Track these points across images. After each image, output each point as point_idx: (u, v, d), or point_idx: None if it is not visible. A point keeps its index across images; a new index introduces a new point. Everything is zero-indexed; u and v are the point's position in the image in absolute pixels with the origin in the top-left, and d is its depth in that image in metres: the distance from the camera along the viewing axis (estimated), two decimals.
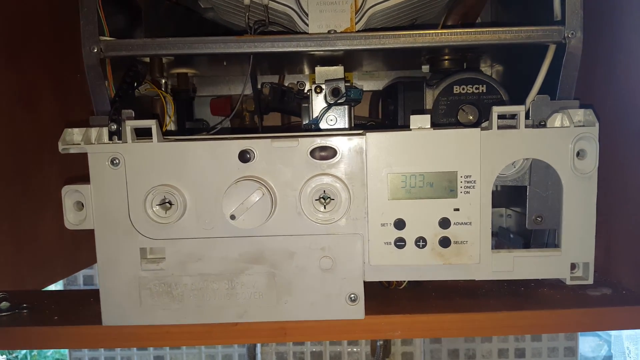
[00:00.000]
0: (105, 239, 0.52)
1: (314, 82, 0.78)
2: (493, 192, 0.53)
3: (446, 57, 0.77)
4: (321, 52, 0.62)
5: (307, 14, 0.64)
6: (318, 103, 0.75)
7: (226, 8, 0.74)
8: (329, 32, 0.63)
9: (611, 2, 0.62)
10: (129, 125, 0.52)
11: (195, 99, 0.93)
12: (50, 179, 0.79)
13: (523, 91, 0.62)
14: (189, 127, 0.88)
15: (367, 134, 0.51)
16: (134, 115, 0.58)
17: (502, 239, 0.82)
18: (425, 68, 0.84)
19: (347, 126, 0.74)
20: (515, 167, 0.57)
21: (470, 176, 0.50)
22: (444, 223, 0.51)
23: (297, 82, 0.96)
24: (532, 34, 0.60)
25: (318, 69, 0.79)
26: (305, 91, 0.92)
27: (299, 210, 0.52)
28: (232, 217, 0.49)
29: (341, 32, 0.63)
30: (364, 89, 0.98)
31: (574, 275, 0.54)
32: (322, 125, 0.74)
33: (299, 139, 0.51)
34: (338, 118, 0.73)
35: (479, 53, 0.79)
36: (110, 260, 0.53)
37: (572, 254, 0.53)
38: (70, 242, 0.82)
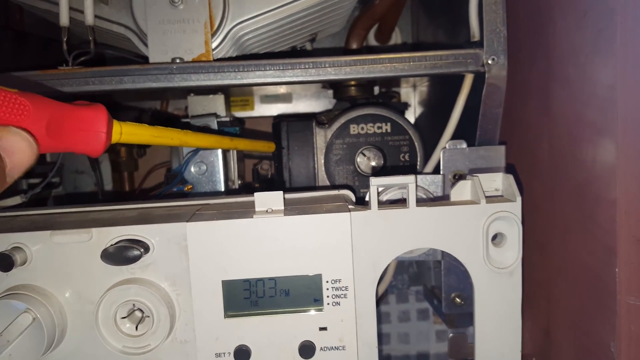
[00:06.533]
0: None
1: (185, 116, 0.62)
2: None
3: (351, 84, 0.61)
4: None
5: (146, 35, 0.48)
6: None
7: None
8: (172, 60, 0.47)
9: (543, 20, 0.47)
10: None
11: None
12: None
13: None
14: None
15: (187, 223, 0.34)
16: None
17: (427, 299, 0.68)
18: (331, 94, 0.69)
19: (221, 175, 0.57)
20: None
21: (339, 280, 0.35)
22: (306, 350, 0.35)
23: (186, 107, 0.79)
24: (439, 61, 0.46)
25: (191, 98, 0.63)
26: None
27: (98, 333, 0.35)
28: None
29: (190, 62, 0.47)
30: (270, 115, 0.81)
31: None
32: (190, 174, 0.57)
33: (93, 229, 0.35)
34: (209, 165, 0.57)
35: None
36: None
37: None
38: None
